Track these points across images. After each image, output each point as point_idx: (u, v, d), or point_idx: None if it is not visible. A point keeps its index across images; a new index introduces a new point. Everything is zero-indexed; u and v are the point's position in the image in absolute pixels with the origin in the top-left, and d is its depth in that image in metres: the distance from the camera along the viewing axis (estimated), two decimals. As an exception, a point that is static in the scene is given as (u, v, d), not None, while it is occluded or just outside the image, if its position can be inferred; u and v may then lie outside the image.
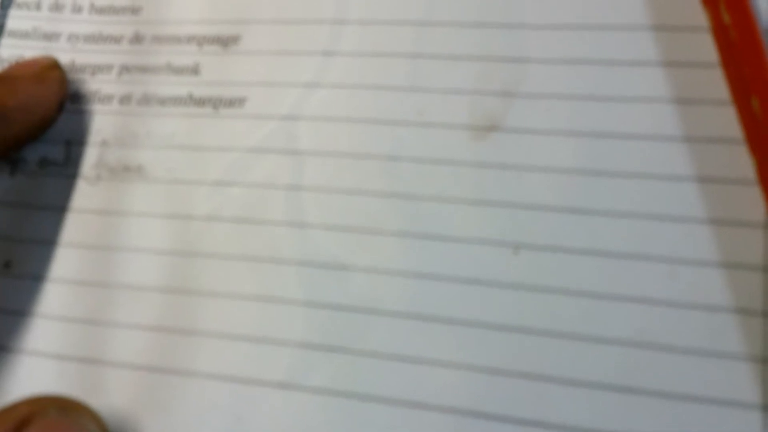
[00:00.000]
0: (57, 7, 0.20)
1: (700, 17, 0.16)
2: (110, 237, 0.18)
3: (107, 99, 0.19)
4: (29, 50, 0.20)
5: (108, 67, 0.20)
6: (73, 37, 0.20)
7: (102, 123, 0.19)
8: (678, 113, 0.16)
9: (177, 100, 0.19)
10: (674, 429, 0.14)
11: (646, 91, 0.16)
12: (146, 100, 0.19)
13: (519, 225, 0.16)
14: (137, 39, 0.20)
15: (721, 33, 0.16)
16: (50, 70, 0.19)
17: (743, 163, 0.15)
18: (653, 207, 0.16)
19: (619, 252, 0.15)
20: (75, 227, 0.18)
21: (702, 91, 0.16)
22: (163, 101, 0.19)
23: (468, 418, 0.15)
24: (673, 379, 0.14)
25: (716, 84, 0.16)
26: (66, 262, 0.18)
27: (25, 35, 0.20)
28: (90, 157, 0.19)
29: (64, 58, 0.20)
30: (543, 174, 0.16)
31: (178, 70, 0.19)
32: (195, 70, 0.19)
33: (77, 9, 0.20)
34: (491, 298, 0.16)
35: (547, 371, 0.15)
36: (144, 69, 0.19)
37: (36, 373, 0.17)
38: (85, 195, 0.18)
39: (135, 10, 0.20)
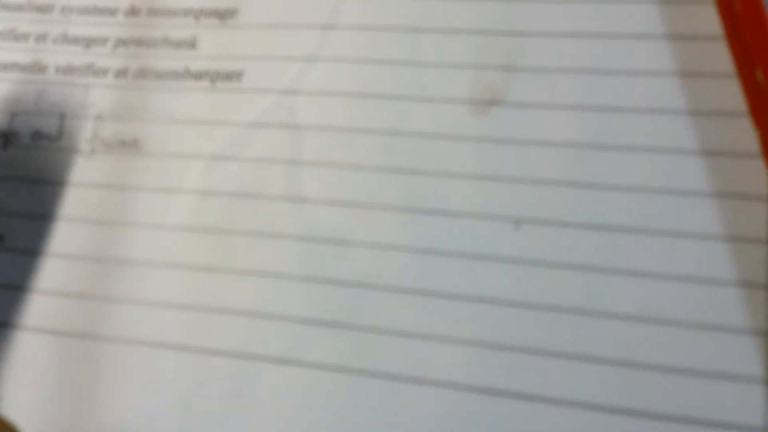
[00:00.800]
0: (50, -21, 0.20)
1: (705, -10, 0.16)
2: (106, 211, 0.17)
3: (102, 72, 0.19)
4: (22, 22, 0.20)
5: (103, 40, 0.19)
6: (66, 9, 0.20)
7: (97, 96, 0.19)
8: (682, 86, 0.16)
9: (174, 74, 0.18)
10: (677, 402, 0.14)
11: (650, 64, 0.16)
12: (142, 73, 0.19)
13: (520, 199, 0.16)
14: (133, 12, 0.19)
15: (725, 5, 0.16)
16: None
17: (747, 136, 0.15)
18: (656, 180, 0.15)
19: (622, 226, 0.15)
20: (70, 201, 0.18)
21: (706, 64, 0.16)
22: (159, 75, 0.19)
23: (469, 393, 0.15)
24: (676, 352, 0.14)
25: (720, 56, 0.16)
26: (61, 236, 0.17)
27: (18, 8, 0.20)
28: (84, 130, 0.18)
29: (57, 29, 0.20)
30: (544, 148, 0.16)
31: (175, 44, 0.19)
32: (192, 44, 0.19)
33: (71, -19, 0.20)
34: (492, 273, 0.15)
35: (549, 346, 0.15)
36: (140, 42, 0.19)
37: (31, 347, 0.16)
38: (79, 169, 0.18)
39: (130, -17, 0.20)
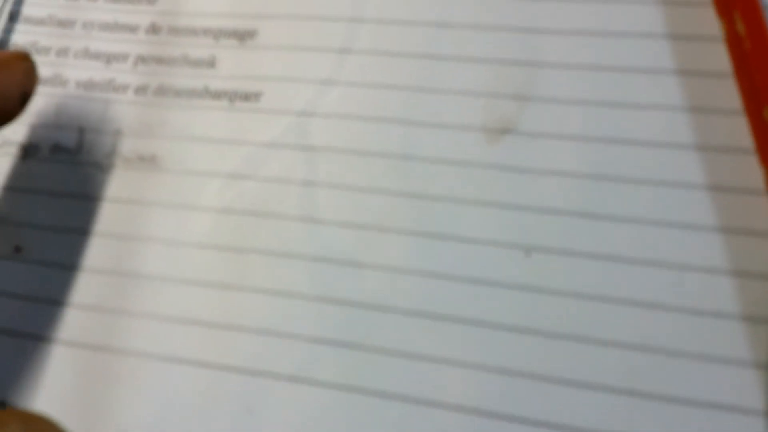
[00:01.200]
0: (73, -5, 0.20)
1: (715, 27, 0.17)
2: (123, 225, 0.18)
3: (122, 88, 0.19)
4: (44, 36, 0.20)
5: (124, 56, 0.20)
6: (88, 25, 0.20)
7: (116, 112, 0.19)
8: (690, 121, 0.16)
9: (193, 93, 0.19)
10: (679, 432, 0.14)
11: (659, 99, 0.17)
12: (162, 91, 0.19)
13: (531, 228, 0.16)
14: (154, 29, 0.20)
15: (735, 43, 0.16)
16: (19, 59, 0.17)
17: (753, 172, 0.16)
18: (663, 213, 0.16)
19: (629, 257, 0.16)
20: (86, 214, 0.18)
21: (714, 100, 0.16)
22: (179, 93, 0.19)
23: (475, 417, 0.15)
24: (679, 383, 0.15)
25: (729, 93, 0.16)
26: (77, 248, 0.18)
27: (39, 22, 0.20)
28: (103, 145, 0.19)
29: (78, 45, 0.20)
30: (555, 178, 0.16)
31: (195, 63, 0.19)
32: (211, 63, 0.19)
33: (94, -3, 0.20)
34: (501, 298, 0.16)
35: (555, 372, 0.15)
36: (160, 60, 0.19)
37: (46, 358, 0.17)
38: (97, 183, 0.18)
39: (151, 1, 0.20)
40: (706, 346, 0.15)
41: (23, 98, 0.17)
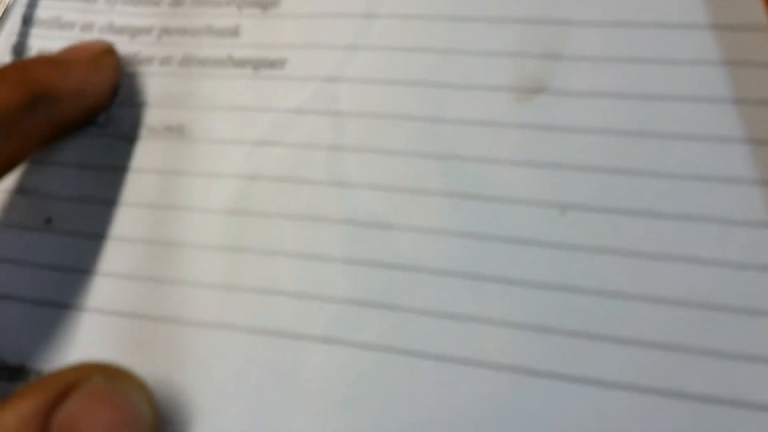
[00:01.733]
0: (96, -30, 0.20)
1: (750, -21, 0.16)
2: (151, 194, 0.18)
3: (147, 61, 0.19)
4: (68, 12, 0.20)
5: (148, 30, 0.20)
6: (111, 0, 0.20)
7: (142, 84, 0.19)
8: (726, 75, 0.16)
9: (218, 62, 0.19)
10: (725, 386, 0.14)
11: (695, 53, 0.16)
12: (187, 61, 0.19)
13: (565, 186, 0.16)
14: (177, 2, 0.20)
15: (771, -6, 0.16)
16: (105, 55, 0.18)
17: (794, 123, 0.15)
18: (702, 168, 0.15)
19: (668, 213, 0.15)
20: (117, 185, 0.18)
21: (751, 53, 0.16)
22: (203, 63, 0.19)
23: (514, 374, 0.15)
24: (724, 337, 0.14)
25: (765, 46, 0.16)
26: (107, 218, 0.18)
27: (63, -3, 0.20)
28: (130, 117, 0.19)
29: (102, 19, 0.20)
30: (589, 135, 0.16)
31: (219, 33, 0.19)
32: (235, 33, 0.19)
33: (116, -28, 0.20)
34: (537, 257, 0.15)
35: (594, 329, 0.15)
36: (184, 31, 0.19)
37: (81, 326, 0.17)
38: (126, 154, 0.18)
39: (174, -26, 0.20)
40: (750, 300, 0.14)
41: (113, 91, 0.18)
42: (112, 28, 0.20)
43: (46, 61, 0.17)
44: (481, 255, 0.16)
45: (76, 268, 0.17)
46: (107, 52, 0.18)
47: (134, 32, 0.20)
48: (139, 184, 0.18)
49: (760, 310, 0.14)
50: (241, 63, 0.19)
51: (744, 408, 0.14)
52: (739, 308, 0.14)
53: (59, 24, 0.20)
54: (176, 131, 0.18)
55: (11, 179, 0.19)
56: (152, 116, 0.19)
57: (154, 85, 0.19)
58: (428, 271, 0.16)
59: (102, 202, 0.18)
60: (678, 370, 0.14)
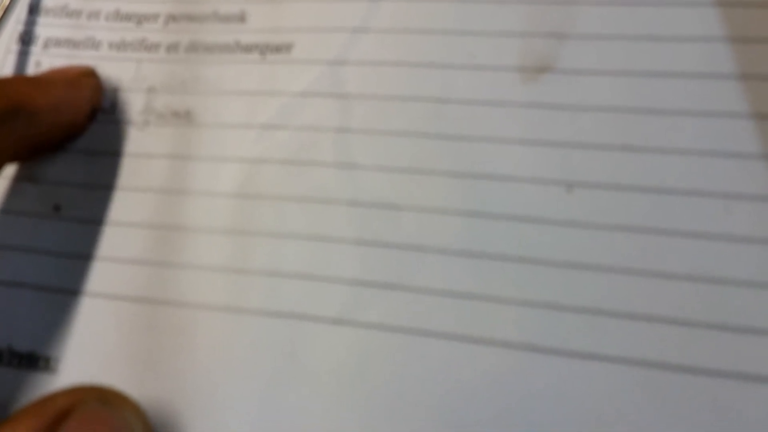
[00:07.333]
0: (102, -41, 0.21)
1: (754, -43, 0.16)
2: (160, 180, 0.18)
3: (154, 47, 0.19)
4: (74, 0, 0.20)
5: (154, 16, 0.20)
6: (118, -12, 0.20)
7: (149, 70, 0.19)
8: (733, 51, 0.16)
9: (224, 48, 0.19)
10: (734, 359, 0.14)
11: (700, 30, 0.16)
12: (193, 48, 0.19)
13: (572, 164, 0.16)
14: (182, -12, 0.20)
15: (776, -30, 0.16)
16: (85, 76, 0.19)
17: (800, 98, 0.15)
18: (707, 143, 0.15)
19: (674, 188, 0.15)
20: (124, 171, 0.18)
21: (757, 29, 0.16)
22: (210, 49, 0.19)
23: (522, 352, 0.15)
24: (732, 311, 0.14)
25: (770, 22, 0.16)
26: (115, 205, 0.18)
27: (69, -14, 0.20)
28: (137, 103, 0.19)
29: (109, 7, 0.20)
30: (595, 113, 0.16)
31: (225, 18, 0.19)
32: (241, 18, 0.19)
33: (122, -40, 0.20)
34: (545, 235, 0.16)
35: (603, 305, 0.15)
36: (191, 17, 0.19)
37: (90, 313, 0.17)
38: (133, 140, 0.18)
39: (179, -39, 0.20)
40: (756, 273, 0.14)
41: (92, 112, 0.19)
42: (118, 15, 0.20)
43: (25, 78, 0.18)
44: (489, 234, 0.16)
45: (85, 255, 0.17)
46: (88, 74, 0.19)
47: (140, 19, 0.20)
48: (147, 169, 0.18)
49: (766, 283, 0.14)
50: (248, 48, 0.19)
51: (751, 381, 0.14)
52: (745, 282, 0.14)
53: (66, 12, 0.20)
54: (183, 116, 0.18)
55: (18, 167, 0.19)
56: (159, 102, 0.19)
57: (161, 71, 0.19)
58: (436, 251, 0.16)
59: (110, 188, 0.18)
60: (685, 344, 0.14)
